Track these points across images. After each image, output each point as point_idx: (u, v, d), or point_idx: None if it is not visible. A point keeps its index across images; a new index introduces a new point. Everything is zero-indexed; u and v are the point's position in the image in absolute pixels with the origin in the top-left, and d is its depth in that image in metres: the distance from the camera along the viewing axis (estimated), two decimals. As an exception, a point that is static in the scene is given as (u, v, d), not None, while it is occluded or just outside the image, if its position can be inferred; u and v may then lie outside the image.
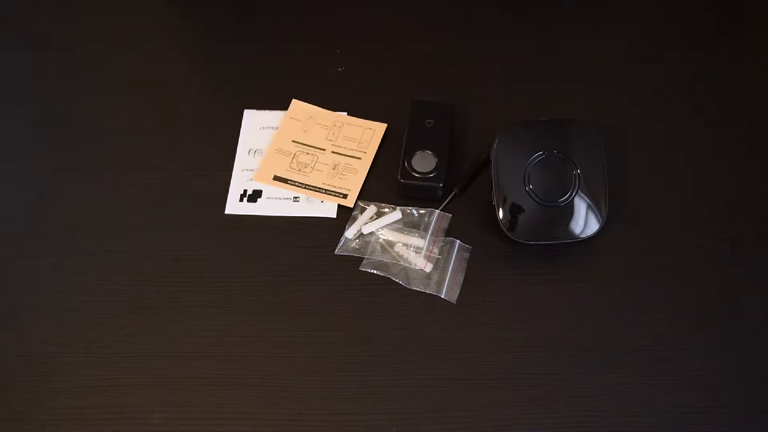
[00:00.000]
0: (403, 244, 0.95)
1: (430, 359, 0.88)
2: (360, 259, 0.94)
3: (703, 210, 0.98)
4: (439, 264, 0.94)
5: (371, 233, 0.96)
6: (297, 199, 1.00)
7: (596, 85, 1.10)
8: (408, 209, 0.98)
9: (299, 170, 1.02)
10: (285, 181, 1.02)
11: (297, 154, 1.04)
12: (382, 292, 0.92)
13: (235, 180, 1.02)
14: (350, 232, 0.96)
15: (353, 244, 0.96)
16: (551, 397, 0.85)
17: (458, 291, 0.92)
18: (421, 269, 0.93)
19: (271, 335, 0.89)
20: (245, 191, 1.01)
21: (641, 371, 0.86)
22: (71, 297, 0.92)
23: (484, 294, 0.92)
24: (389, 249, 0.95)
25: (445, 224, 0.97)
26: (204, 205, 1.00)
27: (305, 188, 1.01)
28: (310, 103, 1.08)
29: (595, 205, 0.93)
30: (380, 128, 1.06)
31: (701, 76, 1.11)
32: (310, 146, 1.04)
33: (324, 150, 1.04)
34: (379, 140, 1.04)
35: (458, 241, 0.95)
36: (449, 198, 0.98)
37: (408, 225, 0.97)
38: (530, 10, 1.19)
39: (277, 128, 1.06)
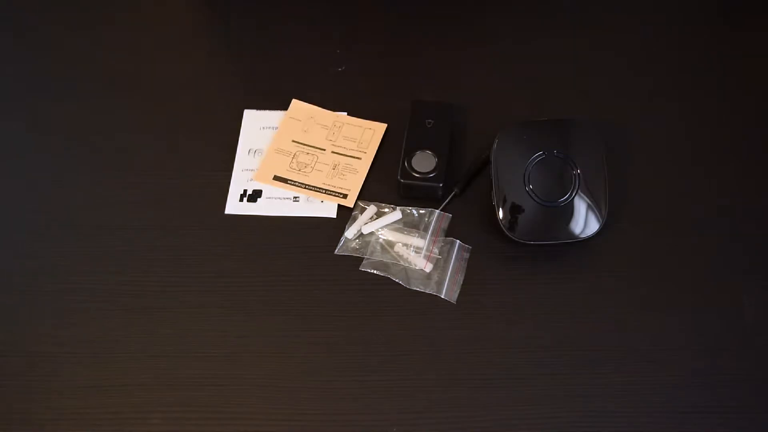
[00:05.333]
0: (403, 244, 0.95)
1: (430, 359, 0.88)
2: (360, 259, 0.94)
3: (703, 210, 0.98)
4: (439, 264, 0.94)
5: (371, 233, 0.96)
6: (297, 199, 1.00)
7: (596, 85, 1.10)
8: (408, 209, 0.98)
9: (299, 170, 1.02)
10: (285, 181, 1.02)
11: (297, 154, 1.04)
12: (382, 292, 0.92)
13: (235, 180, 1.02)
14: (350, 232, 0.96)
15: (353, 244, 0.96)
16: (551, 397, 0.85)
17: (458, 291, 0.92)
18: (421, 269, 0.93)
19: (271, 335, 0.89)
20: (245, 191, 1.01)
21: (641, 371, 0.86)
22: (71, 297, 0.92)
23: (484, 294, 0.92)
24: (389, 249, 0.95)
25: (445, 224, 0.97)
26: (204, 205, 1.00)
27: (305, 188, 1.01)
28: (310, 103, 1.08)
29: (595, 205, 0.93)
30: (380, 128, 1.06)
31: (702, 76, 1.11)
32: (310, 146, 1.04)
33: (324, 150, 1.04)
34: (379, 140, 1.04)
35: (458, 241, 0.95)
36: (449, 198, 0.98)
37: (408, 225, 0.97)
38: (531, 9, 1.19)
39: (277, 128, 1.06)
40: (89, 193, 1.01)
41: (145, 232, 0.97)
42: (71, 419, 0.85)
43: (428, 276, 0.93)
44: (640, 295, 0.92)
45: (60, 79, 1.12)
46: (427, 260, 0.94)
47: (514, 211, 0.93)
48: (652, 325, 0.89)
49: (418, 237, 0.95)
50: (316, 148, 1.04)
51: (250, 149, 1.05)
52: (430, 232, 0.96)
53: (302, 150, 1.04)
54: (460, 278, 0.93)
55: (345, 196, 1.00)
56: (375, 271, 0.93)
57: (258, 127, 1.07)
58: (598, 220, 0.93)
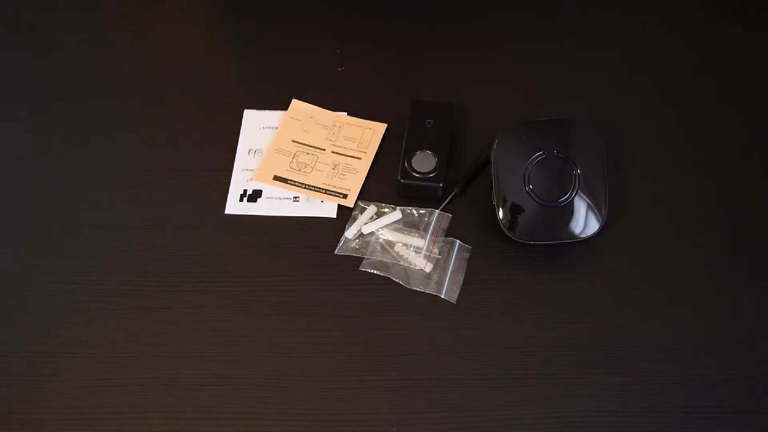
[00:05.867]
0: (403, 244, 0.95)
1: (430, 359, 0.88)
2: (360, 259, 0.94)
3: (703, 210, 0.98)
4: (439, 264, 0.94)
5: (371, 233, 0.96)
6: (297, 199, 1.00)
7: (596, 85, 1.10)
8: (408, 209, 0.98)
9: (299, 170, 1.02)
10: (285, 181, 1.02)
11: (297, 154, 1.04)
12: (382, 292, 0.92)
13: (235, 180, 1.02)
14: (350, 232, 0.96)
15: (353, 244, 0.96)
16: (551, 397, 0.85)
17: (458, 291, 0.92)
18: (421, 269, 0.93)
19: (271, 335, 0.89)
20: (245, 191, 1.01)
21: (641, 371, 0.86)
22: (71, 297, 0.92)
23: (484, 294, 0.92)
24: (389, 249, 0.95)
25: (445, 224, 0.97)
26: (204, 205, 1.00)
27: (305, 188, 1.01)
28: (310, 103, 1.08)
29: (595, 205, 0.93)
30: (380, 128, 1.06)
31: (702, 76, 1.11)
32: (310, 146, 1.04)
33: (324, 150, 1.04)
34: (379, 140, 1.04)
35: (458, 241, 0.95)
36: (449, 198, 0.98)
37: (408, 225, 0.97)
38: (530, 9, 1.19)
39: (277, 128, 1.06)
40: (89, 193, 1.01)
41: (145, 232, 0.97)
42: (71, 419, 0.85)
43: (428, 276, 0.93)
44: (640, 295, 0.91)
45: (60, 79, 1.13)
46: (427, 260, 0.94)
47: (514, 211, 0.93)
48: (652, 325, 0.89)
49: (418, 237, 0.95)
50: (316, 148, 1.04)
51: (250, 149, 1.05)
52: (430, 232, 0.96)
53: (302, 150, 1.04)
54: (460, 278, 0.93)
55: (345, 196, 1.00)
56: (375, 271, 0.93)
57: (258, 127, 1.07)
58: (598, 220, 0.93)
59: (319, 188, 1.00)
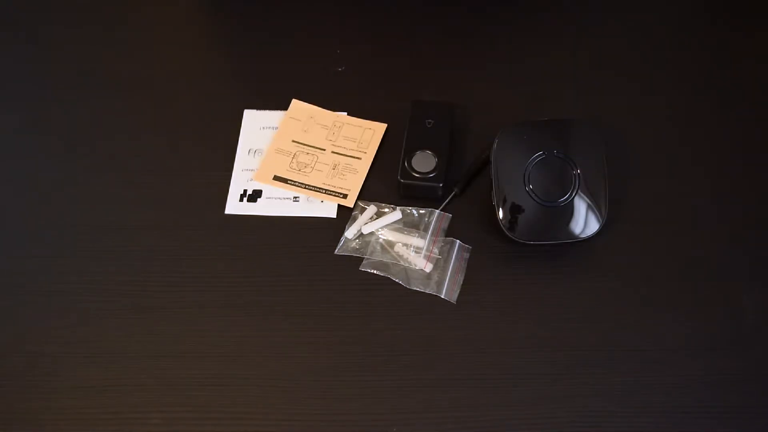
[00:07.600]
0: (403, 244, 0.95)
1: (430, 359, 0.87)
2: (360, 259, 0.94)
3: (703, 210, 0.98)
4: (439, 264, 0.94)
5: (371, 233, 0.96)
6: (297, 199, 1.00)
7: (596, 86, 1.10)
8: (408, 209, 0.98)
9: (299, 170, 1.02)
10: (285, 181, 1.02)
11: (297, 154, 1.04)
12: (382, 292, 0.92)
13: (235, 180, 1.02)
14: (350, 232, 0.96)
15: (353, 244, 0.96)
16: (551, 397, 0.85)
17: (458, 291, 0.92)
18: (421, 269, 0.93)
19: (271, 335, 0.89)
20: (245, 191, 1.01)
21: (641, 371, 0.86)
22: (71, 297, 0.92)
23: (484, 294, 0.92)
24: (389, 249, 0.95)
25: (445, 224, 0.97)
26: (204, 205, 1.00)
27: (305, 188, 1.01)
28: (310, 103, 1.08)
29: (595, 205, 0.93)
30: (380, 128, 1.06)
31: (702, 77, 1.11)
32: (310, 146, 1.04)
33: (324, 150, 1.04)
34: (379, 140, 1.04)
35: (458, 241, 0.95)
36: (449, 198, 0.98)
37: (408, 225, 0.97)
38: (530, 10, 1.19)
39: (277, 128, 1.06)
40: (89, 193, 1.01)
41: (145, 232, 0.97)
42: (71, 419, 0.85)
43: (428, 276, 0.93)
44: (640, 295, 0.91)
45: (60, 79, 1.13)
46: (427, 260, 0.94)
47: (514, 211, 0.93)
48: (652, 325, 0.89)
49: (418, 237, 0.95)
50: (316, 148, 1.04)
51: (250, 149, 1.05)
52: (430, 232, 0.96)
53: (302, 150, 1.04)
54: (460, 278, 0.93)
55: (345, 196, 1.00)
56: (375, 271, 0.93)
57: (258, 127, 1.07)
58: (598, 220, 0.93)
59: (319, 188, 1.00)
